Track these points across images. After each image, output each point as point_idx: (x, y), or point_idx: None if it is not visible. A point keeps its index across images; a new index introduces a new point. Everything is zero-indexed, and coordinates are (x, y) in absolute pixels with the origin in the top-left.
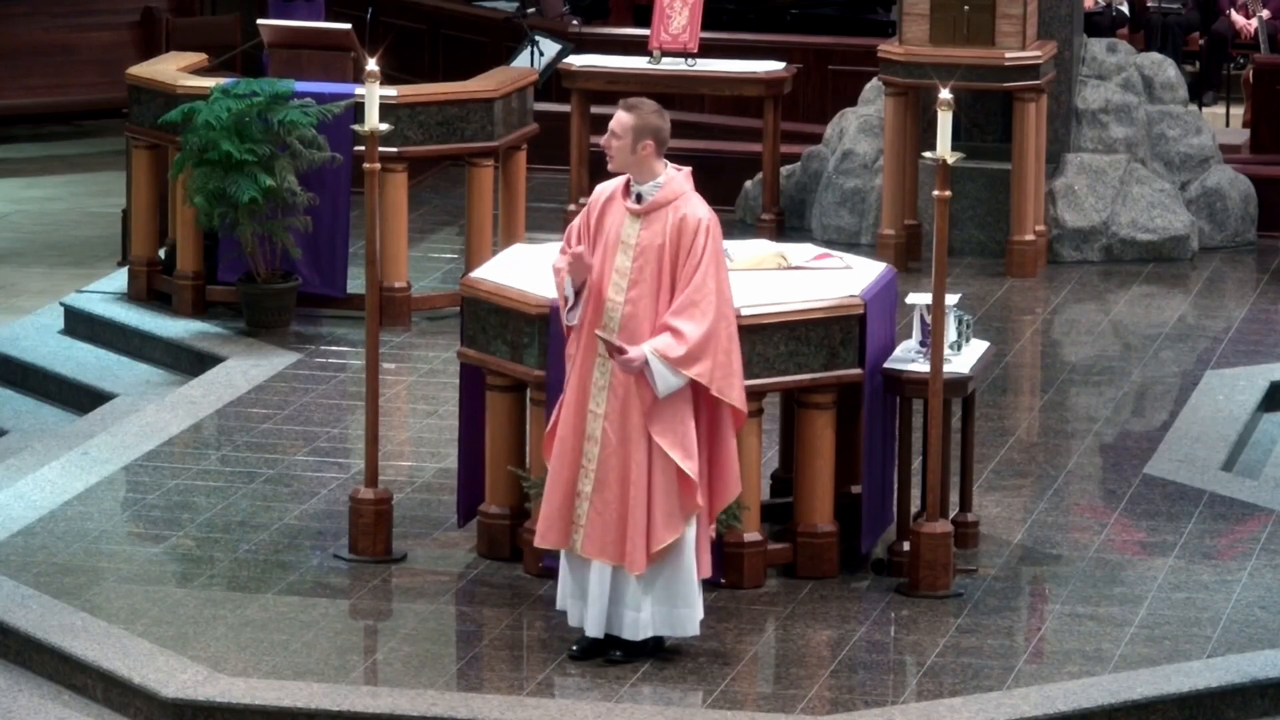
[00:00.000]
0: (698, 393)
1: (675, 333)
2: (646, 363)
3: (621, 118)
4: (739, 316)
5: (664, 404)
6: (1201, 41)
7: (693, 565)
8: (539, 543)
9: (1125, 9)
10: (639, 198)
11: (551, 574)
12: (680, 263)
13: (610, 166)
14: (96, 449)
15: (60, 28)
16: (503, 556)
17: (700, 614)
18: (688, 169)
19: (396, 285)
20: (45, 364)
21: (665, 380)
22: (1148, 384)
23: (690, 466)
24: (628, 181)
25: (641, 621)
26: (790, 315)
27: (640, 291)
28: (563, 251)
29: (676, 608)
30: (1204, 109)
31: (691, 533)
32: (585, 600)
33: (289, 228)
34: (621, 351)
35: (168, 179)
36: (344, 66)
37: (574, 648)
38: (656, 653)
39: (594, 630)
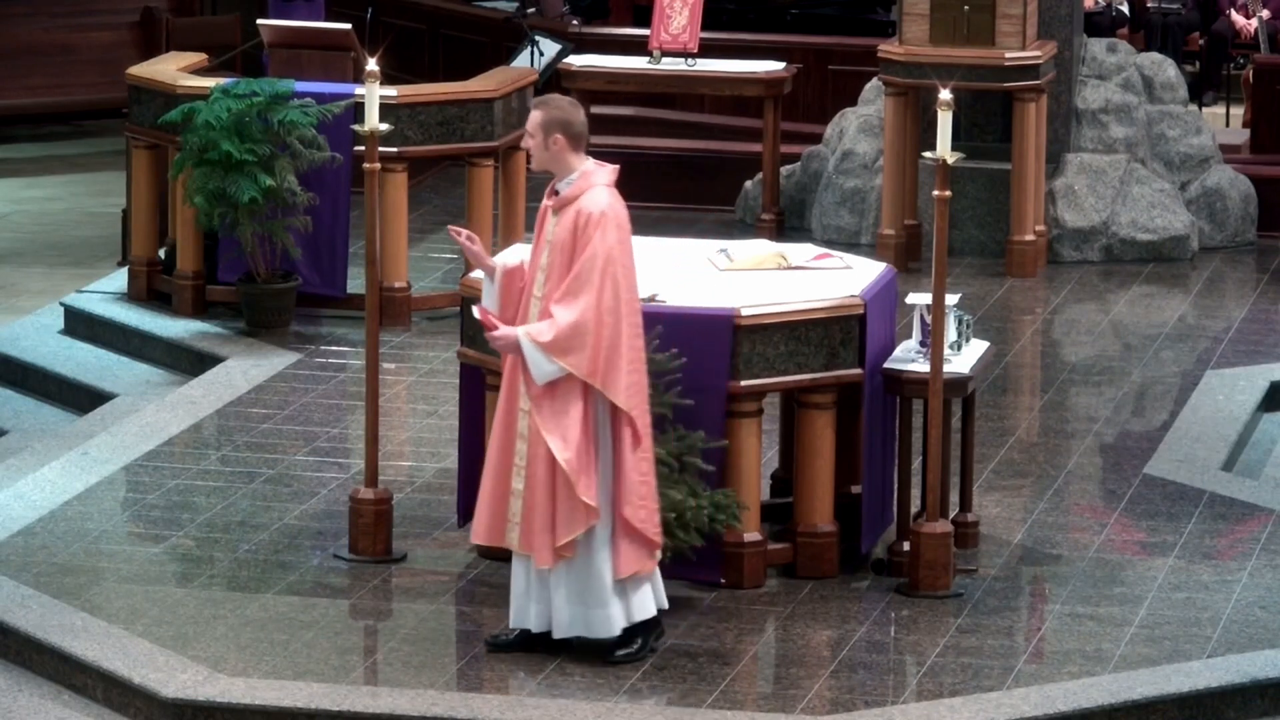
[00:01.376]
0: (591, 390)
1: (550, 319)
2: (520, 346)
3: (532, 115)
4: (739, 316)
5: (548, 392)
6: (1201, 41)
7: (605, 566)
8: (475, 539)
9: (1125, 9)
10: (556, 194)
11: None
12: (576, 256)
13: (532, 167)
14: (96, 449)
15: (60, 28)
16: (503, 557)
17: (618, 613)
18: (612, 166)
19: (396, 285)
20: (45, 364)
21: (538, 366)
22: (1148, 384)
23: (565, 458)
24: None
25: (559, 620)
26: (790, 315)
27: (552, 286)
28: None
29: (589, 608)
30: (1204, 109)
31: (603, 532)
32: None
33: (289, 228)
34: (494, 328)
35: (168, 179)
36: (344, 66)
37: (498, 636)
38: (606, 654)
39: (514, 620)
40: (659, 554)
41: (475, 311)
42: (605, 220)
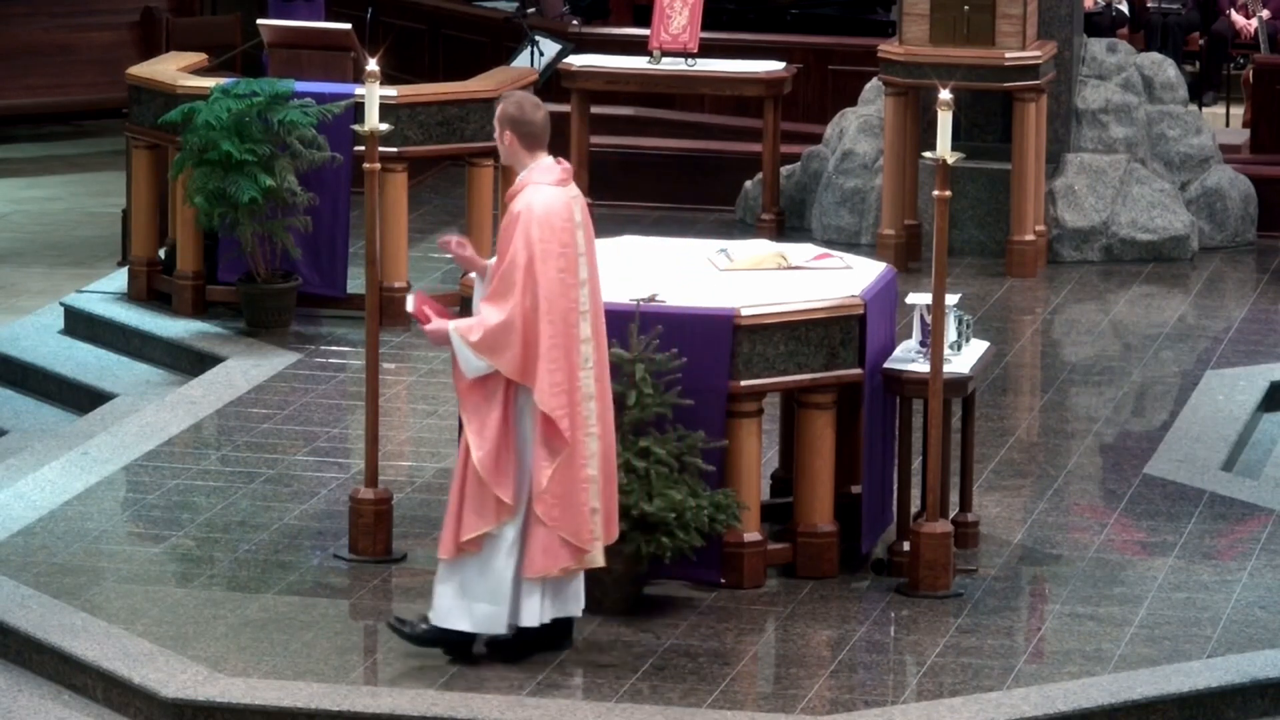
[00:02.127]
0: (513, 389)
1: (480, 317)
2: (450, 340)
3: (496, 112)
4: (739, 316)
5: (474, 387)
6: (1201, 41)
7: (506, 564)
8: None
9: (1125, 9)
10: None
11: None
12: (500, 256)
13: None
14: (96, 449)
15: (60, 28)
16: None
17: (504, 613)
18: (560, 165)
19: (396, 285)
20: (45, 364)
21: (467, 361)
22: (1148, 384)
23: (478, 455)
24: None
25: (440, 608)
26: (790, 315)
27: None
28: None
29: (477, 602)
30: (1204, 109)
31: (510, 531)
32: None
33: (289, 228)
34: (427, 320)
35: (168, 179)
36: (344, 66)
37: (420, 625)
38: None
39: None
40: (585, 561)
41: (409, 303)
42: (527, 220)
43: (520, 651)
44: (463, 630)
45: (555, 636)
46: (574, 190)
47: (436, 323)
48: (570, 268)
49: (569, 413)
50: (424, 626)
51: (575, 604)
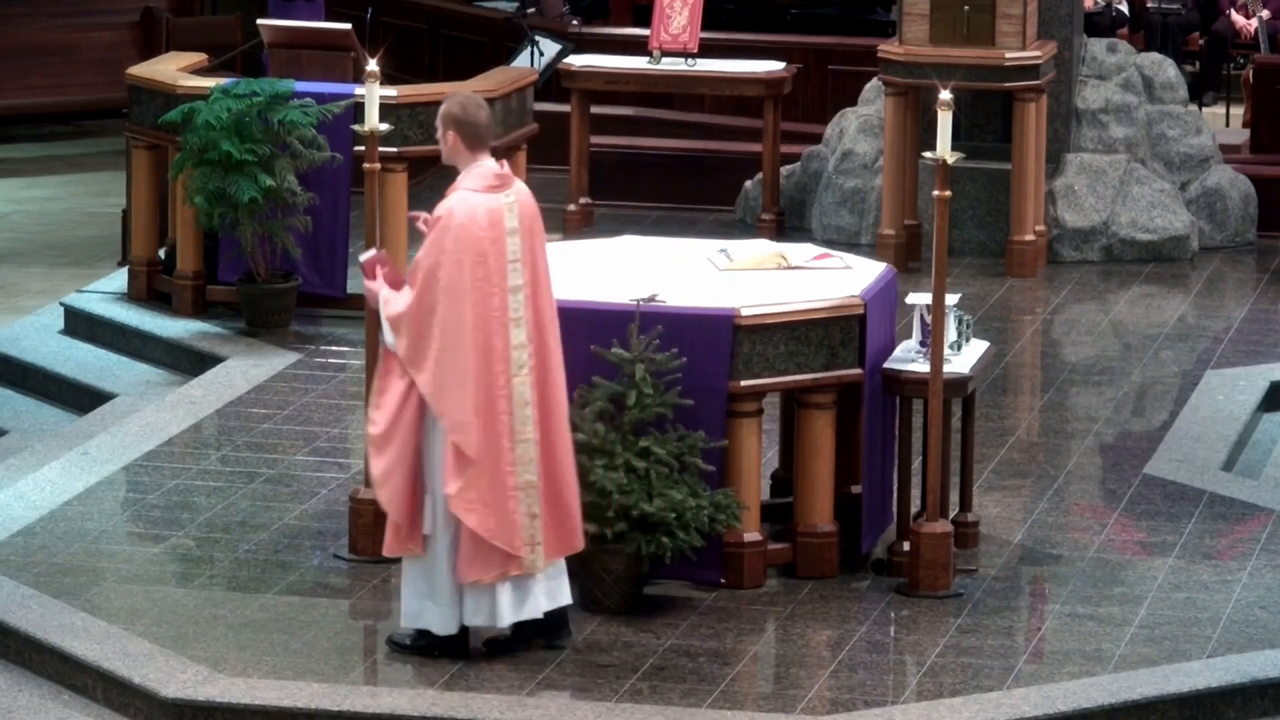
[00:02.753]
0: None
1: (401, 294)
2: (377, 305)
3: (439, 111)
4: (739, 316)
5: (389, 358)
6: (1201, 41)
7: (441, 564)
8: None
9: (1125, 9)
10: None
11: None
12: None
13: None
14: (96, 449)
15: (60, 28)
16: None
17: (453, 614)
18: (495, 172)
19: None
20: (45, 364)
21: (385, 332)
22: (1148, 384)
23: (372, 431)
24: None
25: (406, 612)
26: (790, 315)
27: None
28: None
29: (423, 600)
30: (1204, 109)
31: (447, 534)
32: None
33: (289, 228)
34: (373, 278)
35: (168, 179)
36: (344, 66)
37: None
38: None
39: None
40: (523, 567)
41: (367, 254)
42: (443, 225)
43: (512, 647)
44: (430, 631)
45: (548, 631)
46: (512, 196)
47: (377, 283)
48: (491, 275)
49: (482, 422)
50: (409, 636)
51: (561, 595)
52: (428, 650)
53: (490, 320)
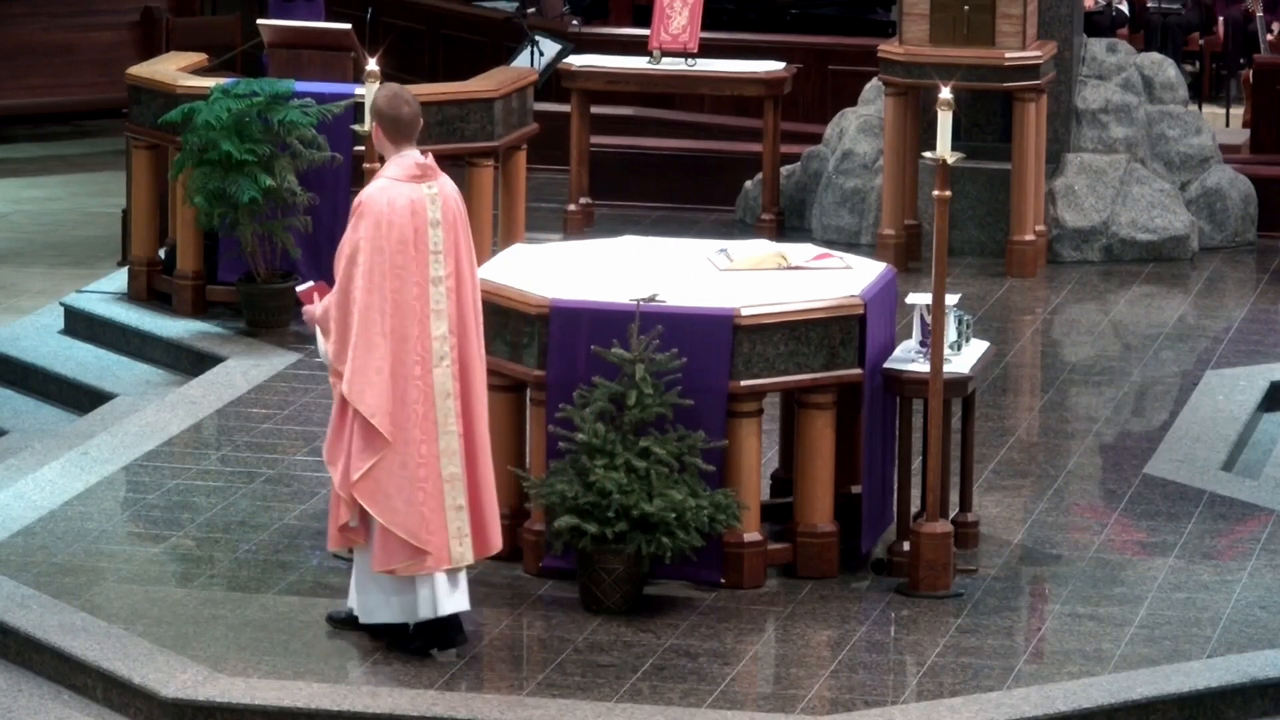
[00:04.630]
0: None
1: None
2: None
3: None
4: (739, 316)
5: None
6: (1201, 42)
7: (367, 556)
8: None
9: (1125, 9)
10: None
11: (552, 574)
12: None
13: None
14: (96, 449)
15: (60, 28)
16: (502, 556)
17: (387, 606)
18: (418, 162)
19: None
20: (45, 364)
21: (319, 342)
22: (1148, 384)
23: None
24: None
25: (362, 607)
26: (790, 315)
27: None
28: None
29: (364, 594)
30: (1203, 109)
31: (370, 521)
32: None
33: (289, 228)
34: (311, 302)
35: (168, 179)
36: (344, 66)
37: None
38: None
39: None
40: (429, 563)
41: (299, 288)
42: (360, 213)
43: (404, 644)
44: (389, 622)
45: (441, 634)
46: (435, 188)
47: (314, 307)
48: (412, 265)
49: (396, 411)
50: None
51: (461, 598)
52: (422, 649)
53: (407, 309)
